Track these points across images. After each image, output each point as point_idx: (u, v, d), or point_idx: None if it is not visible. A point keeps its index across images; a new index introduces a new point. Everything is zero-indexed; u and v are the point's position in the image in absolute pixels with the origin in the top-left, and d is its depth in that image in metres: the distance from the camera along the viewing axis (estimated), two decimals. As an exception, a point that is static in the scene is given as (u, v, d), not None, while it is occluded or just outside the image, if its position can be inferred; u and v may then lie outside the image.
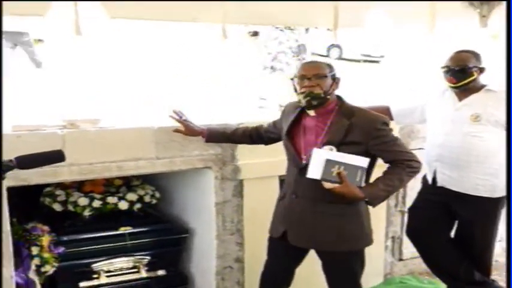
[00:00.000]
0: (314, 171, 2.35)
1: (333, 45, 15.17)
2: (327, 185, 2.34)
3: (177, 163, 2.90)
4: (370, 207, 2.50)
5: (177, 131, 2.80)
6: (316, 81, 2.40)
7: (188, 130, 2.80)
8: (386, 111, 3.17)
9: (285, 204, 2.57)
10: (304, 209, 2.49)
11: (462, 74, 2.89)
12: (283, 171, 2.82)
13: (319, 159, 2.34)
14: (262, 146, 2.87)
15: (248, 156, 3.06)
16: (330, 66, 2.48)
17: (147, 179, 3.40)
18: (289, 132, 2.55)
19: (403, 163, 2.40)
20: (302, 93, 2.42)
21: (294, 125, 2.55)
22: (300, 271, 2.73)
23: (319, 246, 2.53)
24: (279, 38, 12.52)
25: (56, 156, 1.95)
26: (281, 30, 11.94)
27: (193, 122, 2.81)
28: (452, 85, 2.93)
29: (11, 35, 8.15)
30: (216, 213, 3.10)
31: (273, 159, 3.01)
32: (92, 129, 2.68)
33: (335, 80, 2.47)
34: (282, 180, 3.18)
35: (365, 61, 14.40)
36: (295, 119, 2.54)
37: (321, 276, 2.64)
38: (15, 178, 2.49)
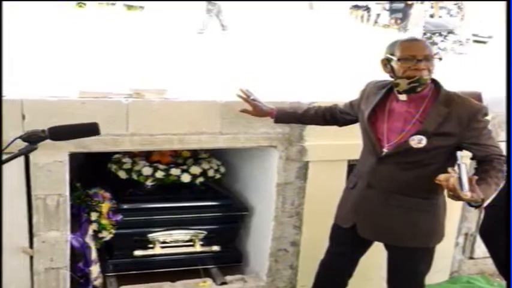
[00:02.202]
0: (465, 185, 1.89)
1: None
2: (465, 196, 1.90)
3: (241, 140, 2.79)
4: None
5: (244, 111, 2.64)
6: (426, 64, 2.13)
7: (256, 110, 2.63)
8: (477, 97, 2.86)
9: (357, 194, 2.38)
10: (378, 201, 2.30)
11: None
12: (353, 155, 2.64)
13: (464, 171, 1.90)
14: (333, 127, 2.66)
15: (316, 137, 2.89)
16: (430, 46, 2.22)
17: (216, 153, 3.33)
18: (370, 116, 2.31)
19: (499, 158, 2.12)
20: (408, 77, 2.14)
21: (376, 109, 2.30)
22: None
23: (392, 241, 2.36)
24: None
25: (90, 129, 1.87)
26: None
27: (261, 101, 2.65)
28: None
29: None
30: (276, 194, 2.98)
31: (343, 141, 2.85)
32: (157, 100, 2.60)
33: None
34: (350, 165, 3.03)
35: (473, 41, 13.53)
36: (379, 102, 2.30)
37: (380, 269, 2.50)
38: (77, 145, 2.48)
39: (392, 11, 16.86)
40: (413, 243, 2.31)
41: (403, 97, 2.23)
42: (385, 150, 2.25)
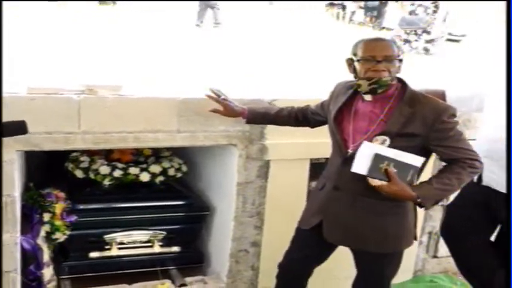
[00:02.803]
0: (360, 166, 2.08)
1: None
2: (373, 182, 2.08)
3: (200, 138, 2.71)
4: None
5: (214, 111, 2.56)
6: (386, 65, 2.07)
7: (227, 110, 2.54)
8: (441, 95, 2.83)
9: (323, 196, 2.31)
10: (344, 204, 2.24)
11: None
12: (315, 154, 2.59)
13: (368, 153, 2.06)
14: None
15: (278, 135, 2.83)
16: (396, 45, 2.15)
17: (179, 151, 3.25)
18: (337, 116, 2.26)
19: (465, 162, 2.09)
20: (368, 79, 2.10)
21: (343, 109, 2.25)
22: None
23: (358, 246, 2.29)
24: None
25: (17, 128, 1.77)
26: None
27: (232, 101, 2.57)
28: None
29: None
30: (236, 194, 2.92)
31: (305, 140, 2.80)
32: (110, 97, 2.51)
33: (401, 62, 2.14)
34: (313, 164, 2.98)
35: (446, 39, 13.61)
36: (346, 102, 2.25)
37: (344, 269, 2.48)
38: (27, 143, 2.38)
39: (367, 9, 17.00)
40: (381, 248, 2.25)
41: (368, 97, 2.18)
42: (350, 150, 2.19)
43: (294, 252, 2.49)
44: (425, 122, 2.07)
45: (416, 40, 12.55)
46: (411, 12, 13.46)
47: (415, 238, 2.36)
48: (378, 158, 2.05)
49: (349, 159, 2.15)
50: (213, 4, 12.60)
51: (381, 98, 2.15)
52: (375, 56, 2.08)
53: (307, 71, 6.00)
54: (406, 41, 12.58)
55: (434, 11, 12.85)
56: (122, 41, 7.50)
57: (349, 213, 2.24)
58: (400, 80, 2.19)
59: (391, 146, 2.08)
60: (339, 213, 2.26)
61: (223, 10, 12.79)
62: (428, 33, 12.57)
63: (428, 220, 3.48)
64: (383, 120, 2.14)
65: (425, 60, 11.12)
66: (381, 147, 2.07)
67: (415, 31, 12.63)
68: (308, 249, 2.43)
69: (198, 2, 12.65)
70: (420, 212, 3.35)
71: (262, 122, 2.66)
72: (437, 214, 3.46)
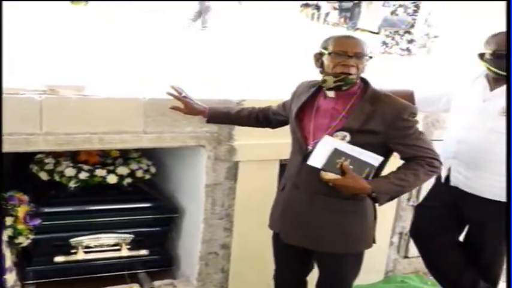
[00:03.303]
0: (316, 159, 2.08)
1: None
2: (326, 176, 2.07)
3: (167, 139, 2.67)
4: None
5: (175, 108, 2.51)
6: (356, 61, 2.07)
7: (188, 108, 2.51)
8: (409, 96, 2.83)
9: (285, 196, 2.29)
10: (303, 203, 2.21)
11: None
12: (284, 154, 2.55)
13: (327, 147, 2.06)
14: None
15: (246, 136, 2.80)
16: (365, 44, 2.15)
17: (148, 153, 3.20)
18: (298, 114, 2.24)
19: (423, 160, 2.09)
20: (336, 74, 2.09)
21: (304, 107, 2.24)
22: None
23: (315, 246, 2.25)
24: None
25: None
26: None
27: (193, 99, 2.53)
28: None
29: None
30: (205, 196, 2.88)
31: (274, 141, 2.76)
32: (73, 97, 2.45)
33: (368, 61, 2.15)
34: (282, 165, 2.96)
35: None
36: (308, 100, 2.24)
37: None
38: (-17, 144, 2.29)
39: (341, 10, 17.11)
40: (340, 248, 2.23)
41: (331, 94, 2.17)
42: (310, 147, 2.17)
43: (282, 269, 2.47)
44: (385, 120, 2.08)
45: (400, 40, 12.64)
46: (392, 13, 13.55)
47: (374, 241, 2.33)
48: (336, 153, 2.04)
49: (308, 156, 2.13)
50: (207, 9, 12.87)
51: (344, 95, 2.15)
52: (346, 51, 2.08)
53: (280, 71, 5.97)
54: (384, 43, 12.67)
55: (415, 11, 12.93)
56: (94, 42, 7.38)
57: (307, 213, 2.20)
58: (362, 79, 2.19)
59: (351, 142, 2.08)
60: (298, 213, 2.23)
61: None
62: (410, 33, 12.66)
63: (399, 220, 3.49)
64: (344, 116, 2.13)
65: (407, 61, 11.19)
66: (341, 142, 2.07)
67: (397, 32, 12.73)
68: (290, 262, 2.41)
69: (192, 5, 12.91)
70: (390, 212, 3.41)
71: (223, 122, 2.63)
72: (407, 214, 3.46)
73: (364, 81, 2.19)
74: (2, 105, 2.10)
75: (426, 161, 2.10)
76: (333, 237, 2.20)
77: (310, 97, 2.24)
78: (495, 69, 2.55)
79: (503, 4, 3.02)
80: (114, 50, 6.58)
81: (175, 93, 2.51)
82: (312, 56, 2.21)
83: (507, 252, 2.47)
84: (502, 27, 2.63)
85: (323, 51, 2.15)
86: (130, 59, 5.76)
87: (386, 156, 2.16)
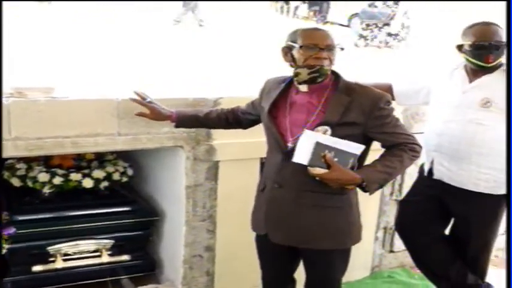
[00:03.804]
0: (301, 155, 2.04)
1: (356, 14, 14.47)
2: (314, 171, 2.03)
3: (143, 140, 2.59)
4: (361, 197, 2.20)
5: (140, 114, 2.42)
6: (327, 53, 2.05)
7: (154, 114, 2.41)
8: (388, 89, 2.80)
9: (267, 196, 2.23)
10: (287, 201, 2.15)
11: (497, 50, 2.49)
12: (265, 153, 2.49)
13: (309, 142, 2.02)
14: None
15: (226, 135, 2.72)
16: (333, 36, 2.12)
17: (124, 154, 3.11)
18: (271, 111, 2.19)
19: (406, 145, 2.10)
20: (309, 67, 2.05)
21: (277, 103, 2.18)
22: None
23: (306, 244, 2.20)
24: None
25: None
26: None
27: (158, 103, 2.44)
28: (487, 65, 2.52)
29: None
30: (186, 197, 2.80)
31: (254, 139, 2.68)
32: (43, 99, 2.36)
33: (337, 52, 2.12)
34: (263, 164, 2.90)
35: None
36: (279, 96, 2.18)
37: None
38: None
39: (310, 4, 17.12)
40: (328, 244, 2.18)
41: (303, 88, 2.12)
42: (289, 144, 2.12)
43: (270, 269, 2.41)
44: (363, 110, 2.06)
45: (378, 33, 12.61)
46: (370, 5, 13.54)
47: (360, 236, 2.29)
48: (318, 147, 2.01)
49: (289, 154, 2.08)
50: (194, 7, 13.63)
51: (317, 89, 2.11)
52: (317, 44, 2.04)
53: (253, 67, 5.92)
54: (362, 36, 12.63)
55: (395, 3, 12.92)
56: (66, 42, 7.25)
57: (293, 210, 2.16)
58: (332, 72, 2.16)
59: (332, 135, 2.05)
60: (282, 212, 2.18)
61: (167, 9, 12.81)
62: (389, 26, 12.65)
63: (382, 215, 3.44)
64: (321, 110, 2.10)
65: (386, 54, 11.20)
66: (322, 135, 2.03)
67: (376, 24, 12.70)
68: (278, 262, 2.36)
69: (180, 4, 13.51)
70: (373, 207, 3.37)
71: (192, 126, 2.56)
72: (390, 209, 3.43)
73: (335, 74, 2.16)
74: (2, 105, 2.03)
75: (408, 146, 2.10)
76: (321, 233, 2.16)
77: (281, 93, 2.19)
78: (474, 61, 2.54)
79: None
80: (87, 50, 6.47)
81: (139, 99, 2.42)
82: (280, 50, 2.16)
83: (507, 252, 2.44)
84: (480, 18, 2.62)
85: (292, 44, 2.10)
86: (103, 59, 5.66)
87: (367, 145, 2.14)
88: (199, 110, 2.51)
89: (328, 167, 2.01)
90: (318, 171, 2.02)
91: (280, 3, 17.63)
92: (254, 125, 2.43)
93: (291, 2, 17.48)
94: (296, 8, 17.49)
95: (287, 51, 2.13)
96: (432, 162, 2.71)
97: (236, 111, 2.47)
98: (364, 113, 2.06)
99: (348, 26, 15.05)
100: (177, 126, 2.48)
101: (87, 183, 2.89)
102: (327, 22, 15.80)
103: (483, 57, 2.50)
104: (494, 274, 3.01)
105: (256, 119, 2.37)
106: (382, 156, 2.14)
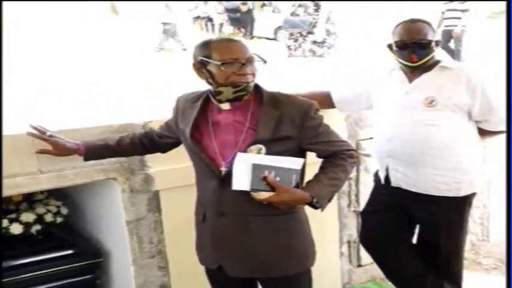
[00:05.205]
0: (240, 182, 1.84)
1: (280, 27, 14.44)
2: (260, 196, 1.84)
3: (69, 177, 2.33)
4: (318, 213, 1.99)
5: (42, 151, 2.15)
6: (250, 67, 1.88)
7: (58, 149, 2.14)
8: (326, 97, 2.69)
9: (210, 226, 2.02)
10: (236, 230, 1.96)
11: (423, 49, 2.39)
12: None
13: (244, 166, 1.83)
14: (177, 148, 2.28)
15: (162, 161, 2.49)
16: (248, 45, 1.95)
17: (56, 191, 2.80)
18: (193, 134, 1.98)
19: (344, 153, 1.98)
20: (235, 85, 1.86)
21: (197, 124, 1.98)
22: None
23: (263, 273, 2.02)
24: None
25: None
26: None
27: (62, 137, 2.18)
28: (413, 64, 2.42)
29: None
30: (129, 234, 2.56)
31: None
32: None
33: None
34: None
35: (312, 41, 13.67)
36: (198, 116, 1.98)
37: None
38: None
39: (231, 20, 17.04)
40: (292, 268, 2.00)
41: (226, 106, 1.94)
42: (223, 169, 1.92)
43: None
44: (294, 123, 1.92)
45: (303, 42, 12.55)
46: (292, 14, 13.52)
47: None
48: (256, 169, 1.83)
49: (226, 179, 1.89)
50: (174, 33, 14.07)
51: (240, 105, 1.94)
52: (237, 59, 1.85)
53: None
54: (287, 46, 12.54)
55: (316, 10, 12.88)
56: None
57: (244, 238, 1.96)
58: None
59: (267, 153, 1.88)
60: (233, 241, 1.98)
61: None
62: (313, 34, 12.59)
63: (344, 229, 3.25)
64: (250, 127, 1.92)
65: (315, 63, 11.14)
66: (257, 156, 1.86)
67: (300, 33, 12.65)
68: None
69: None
70: (333, 222, 3.17)
71: (104, 156, 2.28)
72: (351, 221, 3.25)
73: (255, 86, 1.97)
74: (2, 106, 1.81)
75: (346, 154, 1.99)
76: (282, 258, 1.99)
77: (199, 112, 1.99)
78: (401, 60, 2.45)
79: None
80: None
81: (38, 133, 2.15)
82: (192, 67, 1.95)
83: (507, 252, 2.34)
84: (405, 15, 2.56)
85: (206, 60, 1.90)
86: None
87: (303, 157, 1.98)
88: (109, 138, 2.25)
89: (273, 189, 1.83)
90: (263, 195, 1.85)
91: (203, 22, 17.47)
92: (175, 148, 2.23)
93: (214, 19, 17.34)
94: (221, 25, 17.39)
95: (200, 67, 1.93)
96: (387, 169, 2.55)
97: (150, 135, 2.25)
98: (296, 125, 1.92)
99: (274, 39, 15.09)
100: (86, 159, 2.20)
101: (16, 229, 2.59)
102: (254, 37, 15.76)
103: (407, 56, 2.41)
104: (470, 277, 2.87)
105: (176, 142, 2.17)
106: (323, 168, 1.98)
